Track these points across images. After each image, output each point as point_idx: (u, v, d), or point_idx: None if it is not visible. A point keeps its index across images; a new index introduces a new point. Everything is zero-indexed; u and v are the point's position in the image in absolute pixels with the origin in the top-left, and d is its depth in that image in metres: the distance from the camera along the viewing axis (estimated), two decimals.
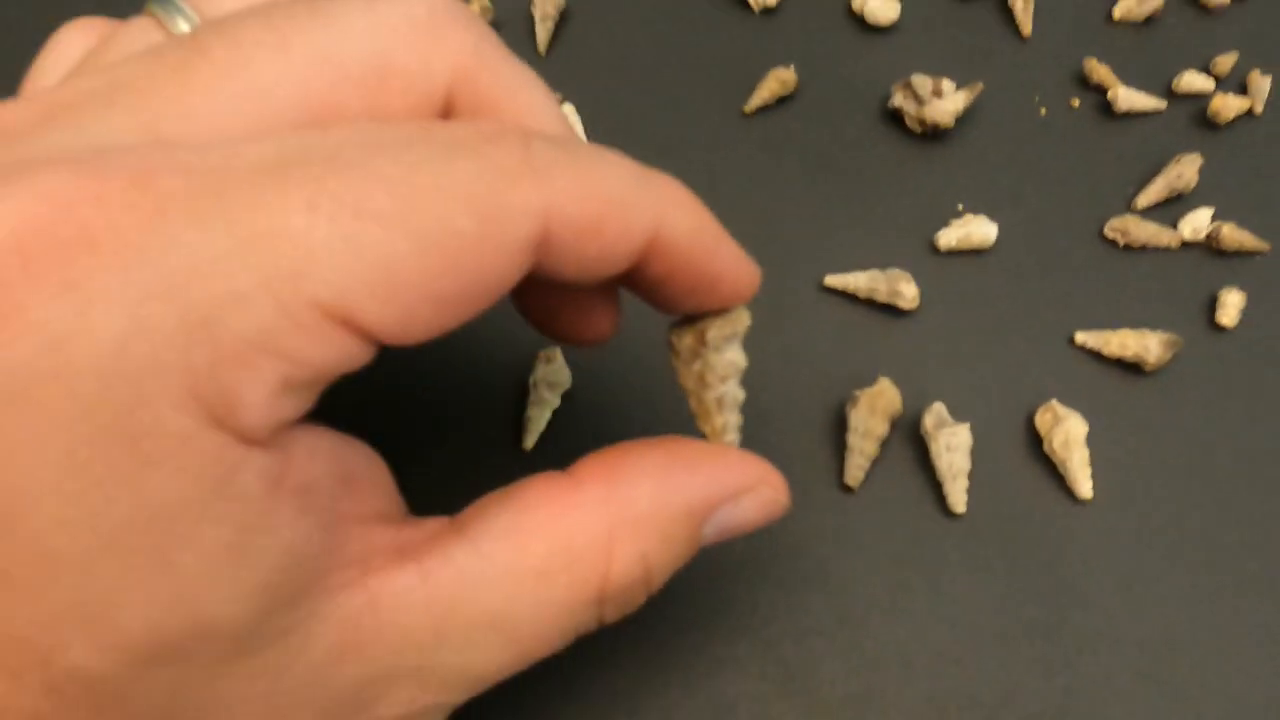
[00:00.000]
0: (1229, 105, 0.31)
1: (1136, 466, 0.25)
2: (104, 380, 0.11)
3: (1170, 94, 0.32)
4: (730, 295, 0.17)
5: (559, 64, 0.32)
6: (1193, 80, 0.31)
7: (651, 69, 0.32)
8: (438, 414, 0.26)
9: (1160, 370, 0.27)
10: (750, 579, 0.24)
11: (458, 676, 0.14)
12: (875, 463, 0.25)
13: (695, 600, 0.23)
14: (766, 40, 0.32)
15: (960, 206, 0.29)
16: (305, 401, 0.13)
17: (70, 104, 0.13)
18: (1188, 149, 0.30)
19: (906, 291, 0.27)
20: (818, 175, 0.30)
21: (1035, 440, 0.25)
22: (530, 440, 0.25)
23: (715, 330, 0.17)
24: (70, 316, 0.11)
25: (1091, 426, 0.25)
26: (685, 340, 0.18)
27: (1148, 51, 0.33)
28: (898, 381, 0.26)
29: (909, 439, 0.25)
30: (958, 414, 0.26)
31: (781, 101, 0.31)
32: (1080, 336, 0.27)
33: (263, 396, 0.12)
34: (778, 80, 0.31)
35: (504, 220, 0.13)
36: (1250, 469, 0.25)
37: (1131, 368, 0.27)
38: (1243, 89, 0.32)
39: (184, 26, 0.16)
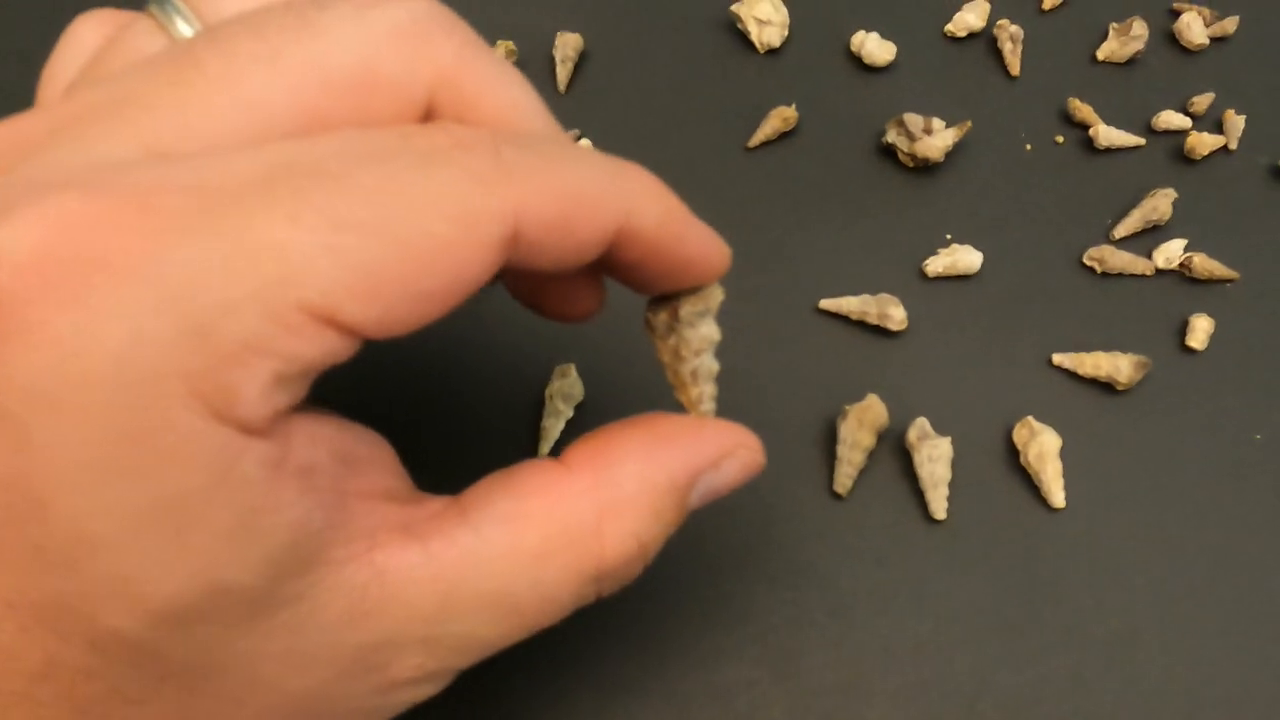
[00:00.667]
0: (1204, 142, 0.33)
1: (1107, 479, 0.27)
2: (117, 385, 0.12)
3: (1149, 131, 0.34)
4: (701, 275, 0.18)
5: (578, 101, 0.34)
6: (1170, 118, 0.33)
7: (663, 106, 0.34)
8: (460, 423, 0.28)
9: (1132, 390, 0.29)
10: (747, 576, 0.26)
11: (463, 645, 0.16)
12: (863, 472, 0.27)
13: (695, 594, 0.25)
14: (770, 79, 0.35)
15: (948, 236, 0.31)
16: (298, 392, 0.14)
17: (76, 118, 0.15)
18: (1164, 183, 0.32)
19: (895, 314, 0.29)
20: (815, 206, 0.32)
21: (1012, 453, 0.27)
22: (545, 448, 0.27)
23: (689, 307, 0.18)
24: (83, 330, 0.12)
25: (1065, 441, 0.27)
26: (661, 317, 0.19)
27: (1129, 91, 0.35)
28: (885, 398, 0.28)
29: (894, 450, 0.28)
30: (940, 428, 0.28)
31: (783, 137, 0.34)
32: (1057, 358, 0.29)
33: (258, 391, 0.13)
34: (780, 117, 0.33)
35: (476, 223, 0.14)
36: (1213, 483, 0.27)
37: (1105, 387, 0.29)
38: (1218, 127, 0.34)
39: (183, 28, 0.17)
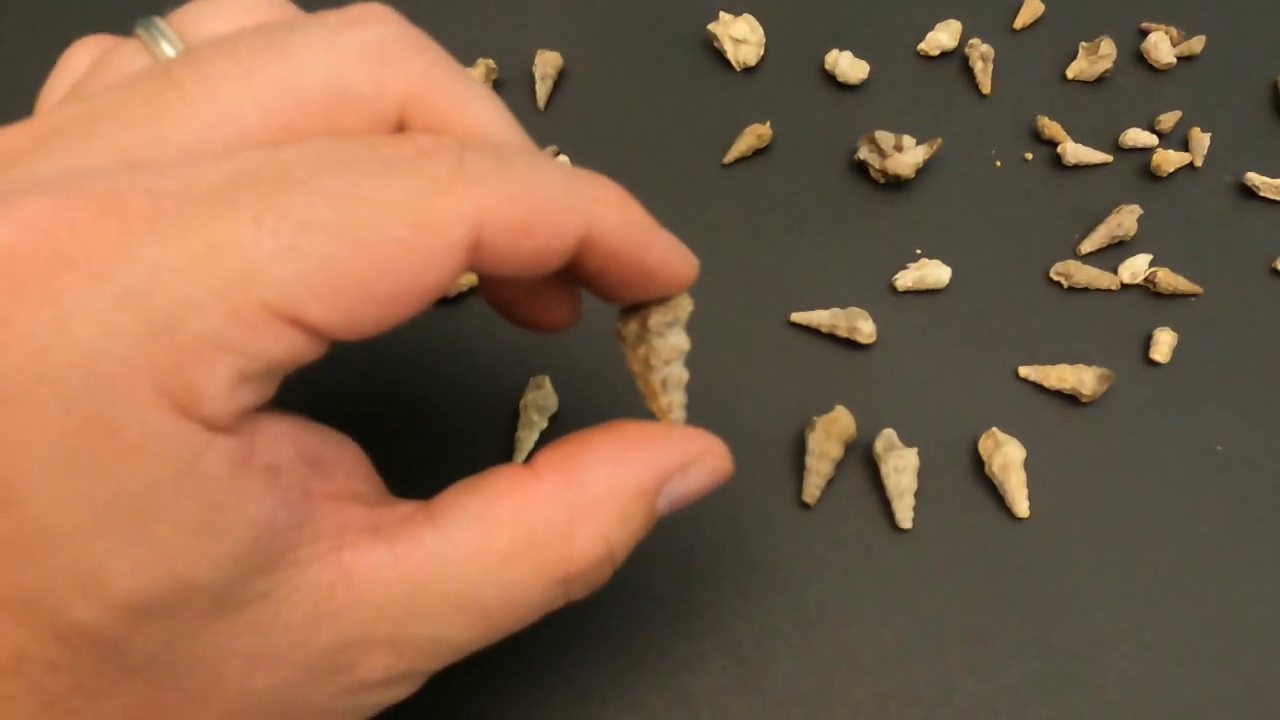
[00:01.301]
0: (1169, 159, 0.33)
1: (1070, 489, 0.28)
2: (83, 381, 0.13)
3: (1117, 148, 0.34)
4: (668, 284, 0.18)
5: (556, 119, 0.35)
6: (1137, 136, 0.34)
7: (640, 123, 0.35)
8: (435, 434, 0.29)
9: (1096, 402, 0.29)
10: (715, 585, 0.26)
11: (431, 647, 0.16)
12: (831, 482, 0.28)
13: (664, 604, 0.26)
14: (745, 97, 0.36)
15: (918, 251, 0.32)
16: (264, 391, 0.14)
17: (58, 129, 0.15)
18: (1130, 200, 0.33)
19: (864, 328, 0.30)
20: (788, 221, 0.33)
21: (978, 464, 0.28)
22: (519, 459, 0.28)
23: (657, 317, 0.19)
24: (51, 327, 0.13)
25: (1030, 452, 0.28)
26: (630, 326, 0.19)
27: (1098, 109, 0.35)
28: (854, 409, 0.29)
29: (862, 461, 0.28)
30: (908, 439, 0.28)
31: (758, 154, 0.34)
32: (1023, 370, 0.29)
33: (222, 388, 0.13)
34: (754, 135, 0.34)
35: (436, 227, 0.14)
36: (1175, 493, 0.28)
37: (1070, 399, 0.29)
38: (1184, 145, 0.34)
39: (167, 50, 0.18)
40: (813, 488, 0.27)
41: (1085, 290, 0.31)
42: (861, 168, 0.34)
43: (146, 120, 0.15)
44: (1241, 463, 0.28)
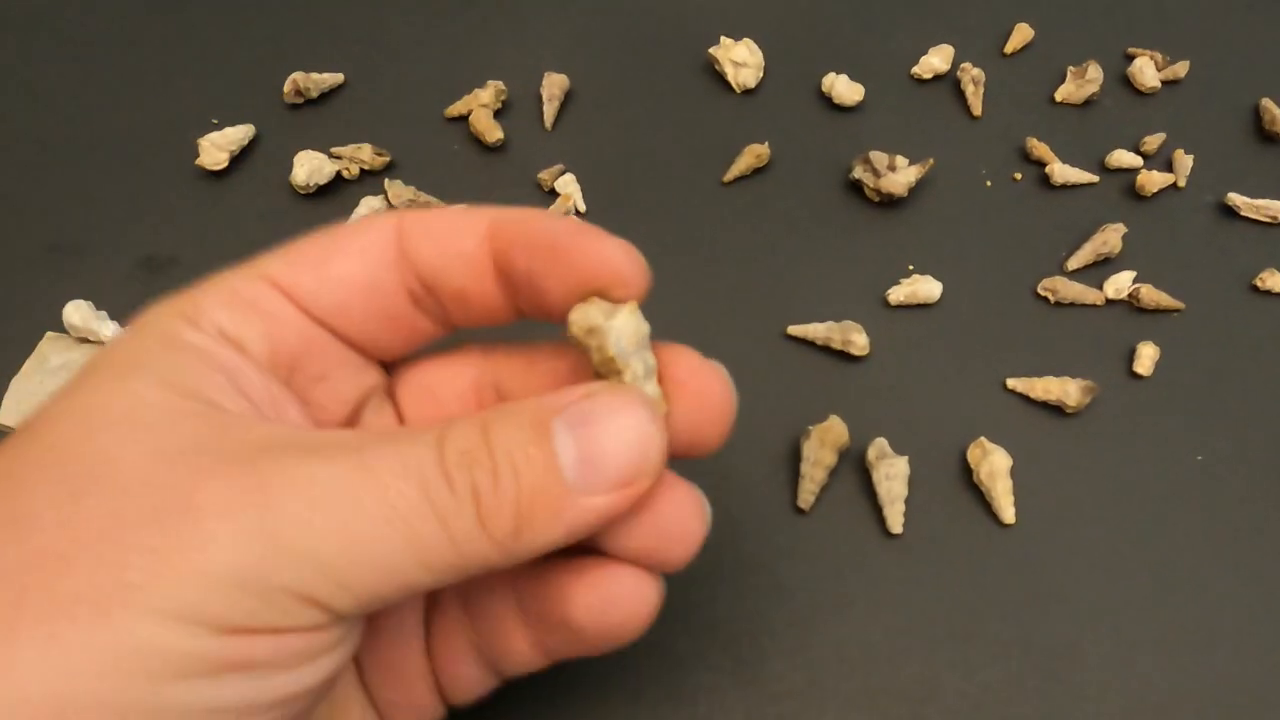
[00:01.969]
0: (1153, 180, 0.35)
1: (1055, 497, 0.29)
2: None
3: (1103, 169, 0.36)
4: (594, 264, 0.17)
5: (563, 138, 0.36)
6: (1122, 157, 0.35)
7: (644, 143, 0.36)
8: None
9: (1081, 413, 0.30)
10: (712, 586, 0.27)
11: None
12: (824, 489, 0.29)
13: (671, 600, 0.27)
14: (745, 118, 0.37)
15: (910, 267, 0.33)
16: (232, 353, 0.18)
17: None
18: (1115, 219, 0.34)
19: (858, 340, 0.31)
20: (786, 238, 0.34)
21: (966, 471, 0.29)
22: None
23: (594, 308, 0.17)
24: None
25: (1017, 460, 0.29)
26: (574, 328, 0.18)
27: (1085, 131, 0.37)
28: (847, 418, 0.30)
29: (855, 468, 0.29)
30: (899, 448, 0.29)
31: (756, 172, 0.35)
32: (1011, 382, 0.31)
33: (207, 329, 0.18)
34: (753, 154, 0.35)
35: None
36: (1156, 501, 0.29)
37: (1055, 410, 0.30)
38: (1168, 166, 0.36)
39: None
40: (807, 493, 0.28)
41: (1071, 305, 0.32)
42: (856, 186, 0.35)
43: None
44: (1220, 472, 0.29)
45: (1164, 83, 0.38)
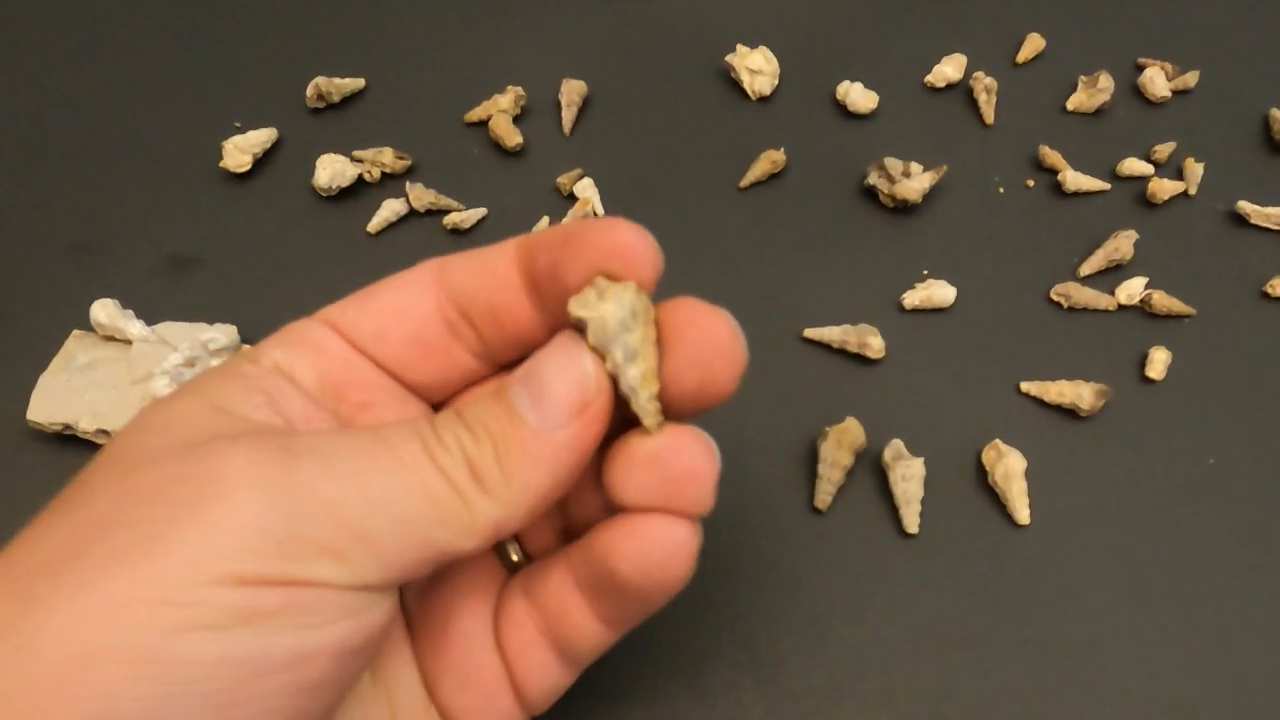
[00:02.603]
0: (1164, 188, 0.35)
1: (1069, 498, 0.29)
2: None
3: (1114, 177, 0.36)
4: (596, 246, 0.18)
5: (581, 143, 0.37)
6: (1134, 165, 0.36)
7: (661, 148, 0.37)
8: None
9: (1094, 416, 0.31)
10: (731, 585, 0.28)
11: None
12: (841, 489, 0.29)
13: (682, 601, 0.27)
14: (761, 125, 0.37)
15: (925, 272, 0.34)
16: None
17: None
18: (1127, 226, 0.35)
19: (874, 343, 0.31)
20: (802, 242, 0.34)
21: (981, 473, 0.29)
22: None
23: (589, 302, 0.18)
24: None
25: (1031, 462, 0.29)
26: (574, 319, 0.18)
27: (1096, 139, 0.37)
28: (864, 420, 0.30)
29: (871, 469, 0.29)
30: (914, 449, 0.30)
31: (772, 178, 0.36)
32: (1025, 385, 0.31)
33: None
34: (769, 160, 0.36)
35: None
36: (1168, 503, 0.29)
37: (1069, 413, 0.31)
38: (1179, 174, 0.36)
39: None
40: (824, 494, 0.29)
41: (1084, 310, 0.33)
42: (871, 192, 0.35)
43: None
44: (1233, 475, 0.30)
45: (1174, 92, 0.38)
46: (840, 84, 0.37)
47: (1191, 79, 0.38)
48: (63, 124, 0.38)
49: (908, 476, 0.28)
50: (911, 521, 0.28)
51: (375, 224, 0.34)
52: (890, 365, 0.32)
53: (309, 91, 0.37)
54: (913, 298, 0.33)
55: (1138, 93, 0.38)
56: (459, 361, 0.21)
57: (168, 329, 0.31)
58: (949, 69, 0.38)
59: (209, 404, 0.18)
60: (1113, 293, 0.33)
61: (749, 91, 0.38)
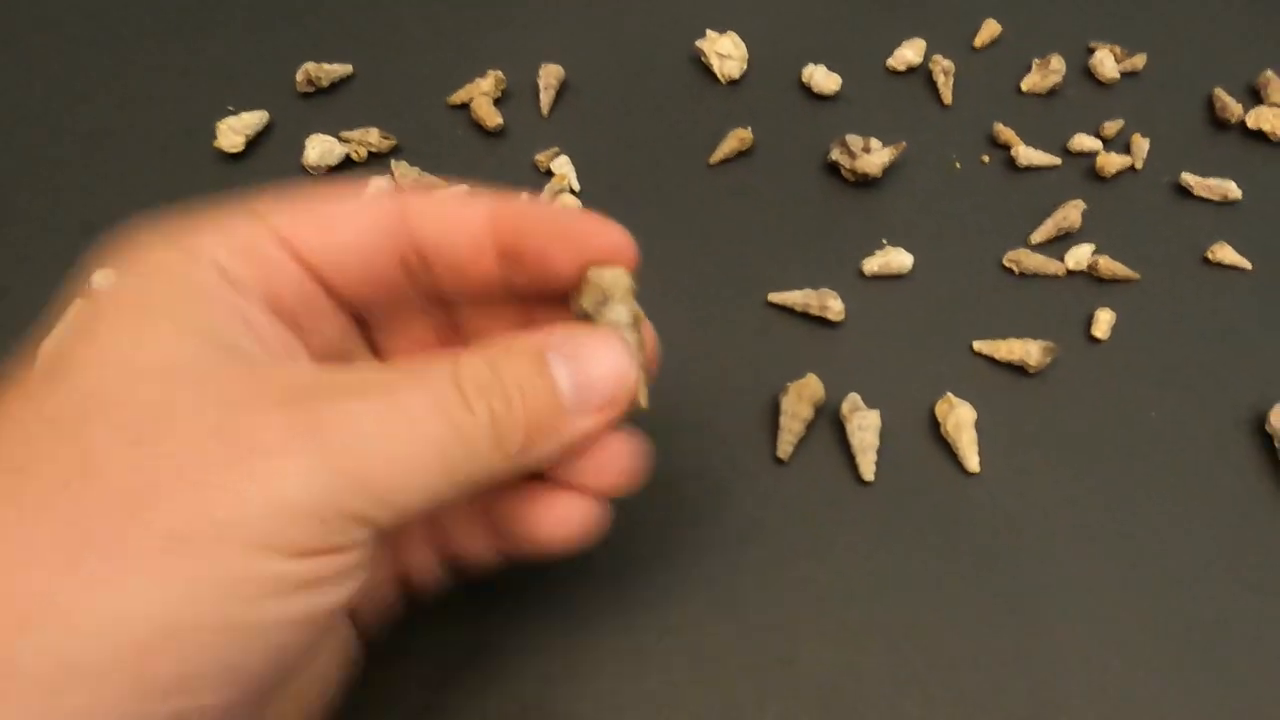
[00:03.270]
0: (1112, 162, 0.37)
1: (1018, 448, 0.31)
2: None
3: (1065, 152, 0.38)
4: (590, 243, 0.21)
5: (558, 125, 0.39)
6: (1083, 141, 0.38)
7: (635, 129, 0.39)
8: None
9: (1042, 372, 0.32)
10: (697, 530, 0.29)
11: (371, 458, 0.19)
12: (802, 441, 0.31)
13: (652, 545, 0.29)
14: (730, 106, 0.39)
15: (884, 241, 0.35)
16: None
17: None
18: (1076, 198, 0.36)
19: (834, 306, 0.33)
20: (768, 215, 0.36)
21: (935, 425, 0.31)
22: None
23: (589, 296, 0.21)
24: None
25: (982, 415, 0.31)
26: (572, 308, 0.21)
27: (1049, 118, 0.39)
28: (824, 378, 0.32)
29: (831, 423, 0.31)
30: (872, 403, 0.31)
31: (740, 156, 0.38)
32: (977, 345, 0.33)
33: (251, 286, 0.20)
34: (737, 138, 0.37)
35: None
36: (1111, 453, 0.31)
37: (1018, 370, 0.32)
38: (1126, 149, 0.38)
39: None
40: (786, 445, 0.30)
41: (1034, 276, 0.35)
42: (834, 168, 0.37)
43: None
44: (1171, 428, 0.31)
45: (1123, 74, 0.40)
46: (806, 67, 0.39)
47: (1140, 61, 0.40)
48: (68, 110, 0.39)
49: (864, 427, 0.30)
50: (867, 469, 0.30)
51: None
52: (850, 327, 0.33)
53: (299, 76, 0.39)
54: (872, 264, 0.34)
55: (1089, 74, 0.40)
56: (403, 295, 0.22)
57: None
58: (909, 53, 0.40)
59: (196, 335, 0.18)
60: (1062, 259, 0.35)
61: (719, 75, 0.40)
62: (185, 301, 0.19)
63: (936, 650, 0.27)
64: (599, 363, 0.20)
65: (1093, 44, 0.41)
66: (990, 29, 0.41)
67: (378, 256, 0.21)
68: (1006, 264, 0.35)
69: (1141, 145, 0.38)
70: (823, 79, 0.39)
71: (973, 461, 0.30)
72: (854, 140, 0.36)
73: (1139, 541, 0.29)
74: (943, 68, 0.40)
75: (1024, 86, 0.40)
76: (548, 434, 0.19)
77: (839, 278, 0.34)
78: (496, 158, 0.38)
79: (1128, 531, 0.29)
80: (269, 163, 0.37)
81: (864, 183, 0.37)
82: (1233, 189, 0.36)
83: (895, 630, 0.27)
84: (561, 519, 0.22)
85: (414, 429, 0.18)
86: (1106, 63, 0.40)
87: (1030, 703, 0.26)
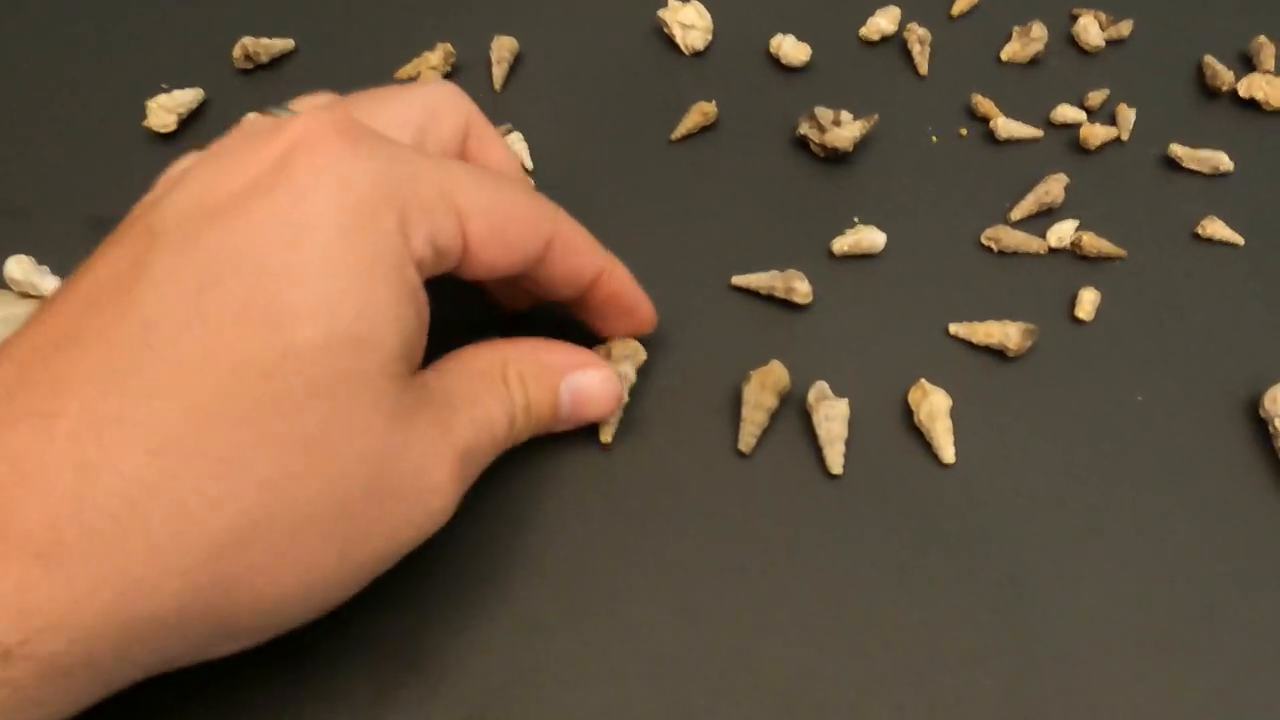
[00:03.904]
0: (1096, 133, 0.35)
1: (996, 437, 0.29)
2: (359, 202, 0.21)
3: (1047, 124, 0.36)
4: (630, 313, 0.28)
5: (512, 100, 0.37)
6: (1066, 112, 0.36)
7: (593, 103, 0.36)
8: None
9: (1023, 356, 0.30)
10: (655, 525, 0.27)
11: (469, 427, 0.24)
12: (766, 432, 0.29)
13: (612, 541, 0.27)
14: (694, 79, 0.37)
15: (856, 219, 0.33)
16: (428, 265, 0.23)
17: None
18: (1059, 171, 0.34)
19: (800, 288, 0.31)
20: (732, 193, 0.34)
21: (908, 414, 0.29)
22: None
23: (619, 347, 0.28)
24: (351, 165, 0.21)
25: (958, 403, 0.29)
26: (605, 352, 0.29)
27: (1030, 89, 0.37)
28: (791, 365, 0.30)
29: (798, 412, 0.29)
30: (841, 392, 0.29)
31: (704, 131, 0.36)
32: (953, 328, 0.31)
33: (421, 237, 0.22)
34: (700, 112, 0.35)
35: (540, 218, 0.25)
36: (1097, 440, 0.29)
37: (997, 354, 0.30)
38: (1112, 120, 0.36)
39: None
40: (748, 436, 0.28)
41: (1014, 254, 0.33)
42: (803, 143, 0.35)
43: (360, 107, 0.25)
44: (1160, 412, 0.29)
45: (1108, 41, 0.38)
46: (774, 37, 0.37)
47: (1125, 28, 0.38)
48: None
49: (831, 417, 0.28)
50: (835, 462, 0.28)
51: None
52: (819, 310, 0.31)
53: (236, 53, 0.37)
54: (842, 244, 0.32)
55: (1072, 42, 0.38)
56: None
57: None
58: (883, 21, 0.38)
59: (404, 362, 0.22)
60: (1043, 236, 0.33)
61: (682, 47, 0.38)
62: (404, 318, 0.22)
63: (906, 651, 0.25)
64: (592, 405, 0.27)
65: (1076, 10, 0.39)
66: None
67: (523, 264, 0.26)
68: (985, 242, 0.33)
69: (1127, 116, 0.36)
70: (792, 49, 0.37)
71: (948, 452, 0.28)
72: (823, 113, 0.34)
73: (1123, 533, 0.27)
74: (918, 36, 0.37)
75: (1004, 56, 0.38)
76: (545, 429, 0.27)
77: (807, 258, 0.32)
78: None
79: (1112, 523, 0.27)
80: (202, 142, 0.35)
81: (834, 158, 0.35)
82: (1224, 161, 0.34)
83: (862, 630, 0.26)
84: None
85: (493, 427, 0.25)
86: (1091, 30, 0.38)
87: (1007, 703, 0.24)
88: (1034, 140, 0.36)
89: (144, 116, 0.35)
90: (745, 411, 0.28)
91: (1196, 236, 0.33)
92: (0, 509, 0.17)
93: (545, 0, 0.39)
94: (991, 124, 0.35)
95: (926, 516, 0.27)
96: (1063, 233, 0.33)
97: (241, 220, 0.20)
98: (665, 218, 0.34)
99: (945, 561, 0.27)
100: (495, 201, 0.24)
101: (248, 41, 0.37)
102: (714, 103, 0.36)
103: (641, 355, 0.28)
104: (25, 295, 0.30)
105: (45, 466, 0.17)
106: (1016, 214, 0.33)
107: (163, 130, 0.35)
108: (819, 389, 0.29)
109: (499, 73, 0.37)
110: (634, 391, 0.29)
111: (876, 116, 0.35)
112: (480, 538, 0.27)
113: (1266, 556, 0.27)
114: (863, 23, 0.38)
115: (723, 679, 0.25)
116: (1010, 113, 0.36)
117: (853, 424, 0.29)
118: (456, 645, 0.25)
